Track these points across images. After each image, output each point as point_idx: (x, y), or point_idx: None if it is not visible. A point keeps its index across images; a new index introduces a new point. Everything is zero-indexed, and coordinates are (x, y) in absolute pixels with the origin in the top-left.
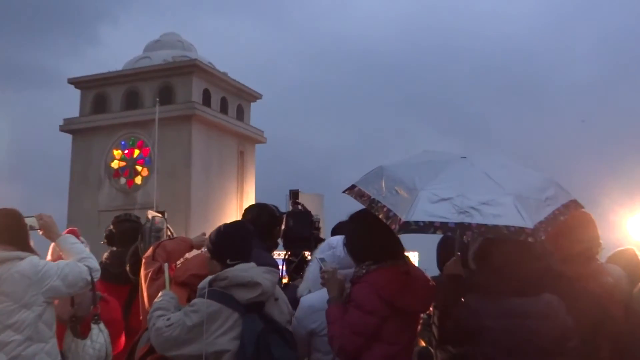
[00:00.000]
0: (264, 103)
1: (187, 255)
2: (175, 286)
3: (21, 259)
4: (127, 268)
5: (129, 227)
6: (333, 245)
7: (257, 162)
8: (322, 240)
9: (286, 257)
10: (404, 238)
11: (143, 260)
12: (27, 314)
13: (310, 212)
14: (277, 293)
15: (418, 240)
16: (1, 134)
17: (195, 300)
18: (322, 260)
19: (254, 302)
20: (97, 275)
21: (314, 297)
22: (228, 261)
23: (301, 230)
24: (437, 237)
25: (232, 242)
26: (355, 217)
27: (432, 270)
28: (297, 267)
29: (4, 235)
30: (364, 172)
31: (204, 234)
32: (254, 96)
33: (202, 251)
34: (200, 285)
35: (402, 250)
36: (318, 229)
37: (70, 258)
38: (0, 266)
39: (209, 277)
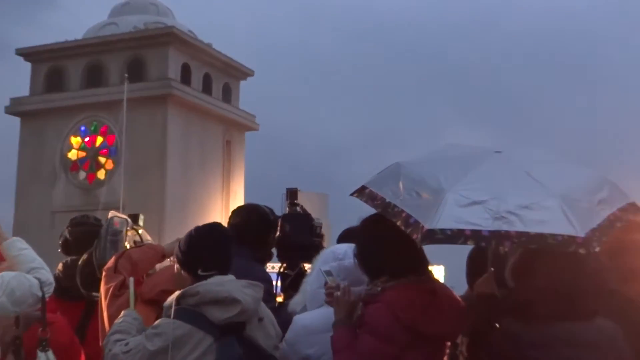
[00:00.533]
0: (256, 82)
1: (158, 266)
2: (141, 304)
3: None
4: (78, 281)
5: (86, 231)
6: (339, 256)
7: (248, 154)
8: (322, 248)
9: (281, 270)
10: (428, 249)
11: (103, 273)
12: None
13: (310, 215)
14: (261, 312)
15: (444, 251)
16: None
17: (160, 321)
18: (327, 273)
19: (232, 323)
20: (50, 290)
21: (310, 316)
22: (200, 272)
23: (299, 237)
24: (467, 249)
25: (204, 249)
26: (368, 222)
27: (460, 288)
28: (293, 282)
29: None
30: (378, 167)
31: (179, 240)
32: (244, 73)
33: (172, 260)
34: (165, 304)
35: (426, 263)
36: (320, 235)
37: (18, 268)
38: None
39: (177, 293)
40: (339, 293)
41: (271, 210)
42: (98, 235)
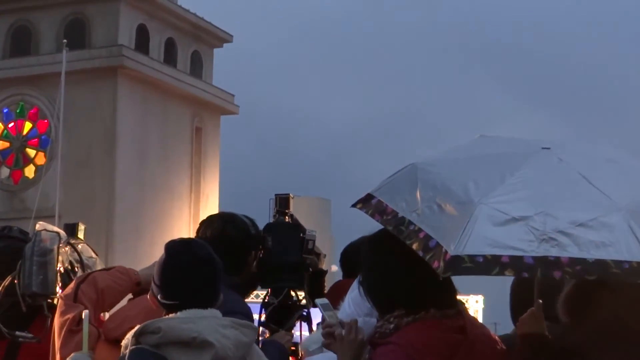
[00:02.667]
0: (235, 50)
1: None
2: (104, 346)
3: None
4: None
5: (8, 248)
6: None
7: (224, 146)
8: (321, 271)
9: (265, 298)
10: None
11: (58, 302)
12: None
13: (300, 225)
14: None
15: (482, 277)
16: None
17: None
18: (325, 307)
19: None
20: None
21: (323, 358)
22: (161, 299)
23: (284, 253)
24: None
25: (172, 269)
26: (377, 239)
27: (506, 325)
28: (277, 312)
29: None
30: (392, 168)
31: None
32: (219, 38)
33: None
34: (123, 342)
35: (453, 292)
36: (312, 252)
37: None
38: None
39: (135, 329)
40: (342, 331)
41: (252, 222)
42: (22, 255)
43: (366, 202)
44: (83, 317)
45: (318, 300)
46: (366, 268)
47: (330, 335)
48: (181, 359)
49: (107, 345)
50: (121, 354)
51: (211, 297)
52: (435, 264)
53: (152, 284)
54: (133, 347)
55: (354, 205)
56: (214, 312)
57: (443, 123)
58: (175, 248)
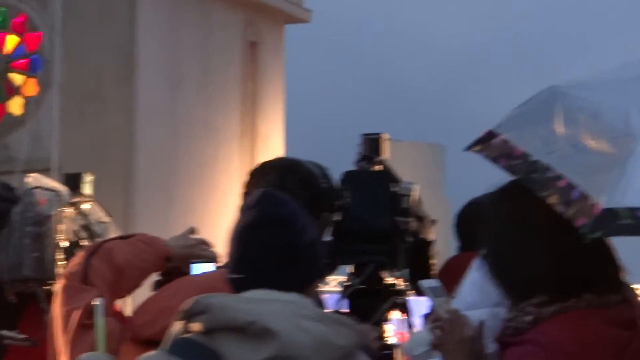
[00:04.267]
0: None
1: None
2: (132, 348)
3: None
4: None
5: None
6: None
7: (290, 68)
8: (424, 242)
9: (345, 282)
10: (626, 245)
11: (61, 282)
12: None
13: (392, 173)
14: None
15: None
16: None
17: (145, 357)
18: (432, 290)
19: None
20: None
21: None
22: (229, 274)
23: (368, 213)
24: None
25: (240, 231)
26: (504, 195)
27: None
28: (360, 298)
29: None
30: (520, 97)
31: (193, 231)
32: None
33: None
34: (171, 331)
35: (618, 271)
36: (407, 212)
37: None
38: None
39: (184, 308)
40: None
41: (323, 172)
42: (7, 222)
43: (486, 143)
44: (96, 306)
45: (424, 282)
46: (491, 237)
47: (435, 332)
48: (235, 351)
49: (137, 348)
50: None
51: (292, 275)
52: (580, 221)
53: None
54: (178, 337)
55: (469, 148)
56: (295, 298)
57: (592, 35)
58: (247, 203)
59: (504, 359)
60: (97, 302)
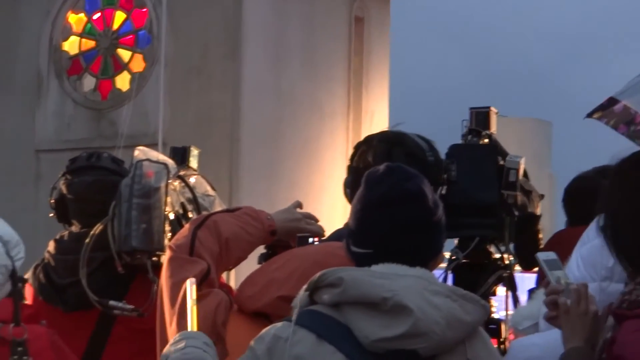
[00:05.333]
0: None
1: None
2: (240, 319)
3: None
4: (83, 279)
5: (97, 183)
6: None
7: (396, 43)
8: (532, 216)
9: (450, 256)
10: None
11: (168, 254)
12: None
13: (498, 146)
14: (474, 350)
15: None
16: None
17: (269, 329)
18: (551, 264)
19: (394, 352)
20: (20, 252)
21: (543, 340)
22: (352, 248)
23: (475, 186)
24: None
25: (367, 205)
26: (628, 163)
27: None
28: (465, 272)
29: None
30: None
31: (298, 205)
32: None
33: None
34: (294, 301)
35: None
36: (514, 186)
37: None
38: None
39: (310, 281)
40: (567, 301)
41: (430, 145)
42: (117, 194)
43: (607, 110)
44: (187, 286)
45: (540, 255)
46: (611, 207)
47: (555, 306)
48: (365, 326)
49: (245, 319)
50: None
51: (421, 250)
52: None
53: (347, 229)
54: (304, 308)
55: (590, 115)
56: (423, 273)
57: None
58: (374, 177)
59: (620, 332)
60: (189, 283)
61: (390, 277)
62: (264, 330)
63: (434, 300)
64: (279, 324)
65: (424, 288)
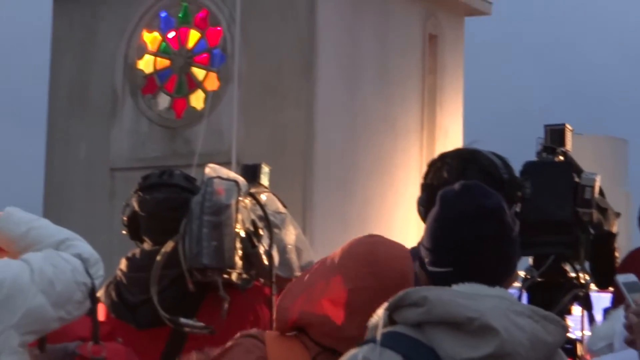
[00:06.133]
0: None
1: None
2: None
3: None
4: (154, 296)
5: (168, 201)
6: None
7: (469, 61)
8: (608, 234)
9: (524, 275)
10: None
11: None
12: None
13: (574, 164)
14: None
15: None
16: None
17: (356, 353)
18: (629, 286)
19: None
20: (99, 271)
21: None
22: (429, 267)
23: (549, 204)
24: None
25: (444, 223)
26: None
27: None
28: (539, 292)
29: None
30: None
31: None
32: None
33: None
34: (371, 321)
35: None
36: (590, 204)
37: (36, 250)
38: None
39: (390, 300)
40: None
41: (504, 162)
42: (189, 211)
43: None
44: None
45: (620, 277)
46: None
47: (631, 324)
48: (450, 347)
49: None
50: (367, 336)
51: (500, 268)
52: None
53: (421, 248)
54: (385, 330)
55: None
56: (504, 293)
57: None
58: (451, 195)
59: None
60: None
61: (473, 298)
62: (349, 355)
63: (518, 321)
64: (365, 347)
65: (508, 308)
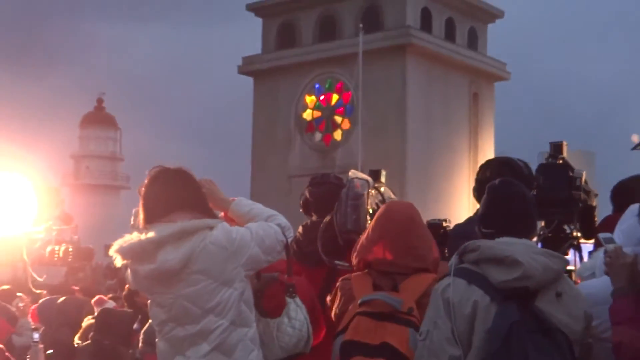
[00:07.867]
0: (506, 24)
1: None
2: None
3: (211, 227)
4: (319, 247)
5: (327, 191)
6: (635, 212)
7: (497, 108)
8: (590, 207)
9: (539, 232)
10: None
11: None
12: (229, 293)
13: (569, 164)
14: (561, 287)
15: None
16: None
17: (437, 286)
18: (606, 240)
19: (515, 289)
20: (290, 234)
21: (597, 284)
22: (482, 229)
23: (554, 190)
24: None
25: (489, 202)
26: None
27: None
28: (548, 242)
29: (185, 198)
30: None
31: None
32: (492, 15)
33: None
34: (450, 262)
35: None
36: (579, 188)
37: (255, 221)
38: (191, 238)
39: (460, 248)
40: (613, 256)
41: (526, 164)
42: (339, 198)
43: None
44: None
45: (601, 235)
46: None
47: (606, 262)
48: (494, 274)
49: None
50: (449, 271)
51: (523, 229)
52: None
53: (477, 217)
54: (457, 266)
55: (635, 148)
56: (527, 241)
57: None
58: (494, 185)
59: None
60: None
61: (508, 244)
62: (433, 288)
63: (536, 257)
64: (445, 279)
65: (529, 249)
